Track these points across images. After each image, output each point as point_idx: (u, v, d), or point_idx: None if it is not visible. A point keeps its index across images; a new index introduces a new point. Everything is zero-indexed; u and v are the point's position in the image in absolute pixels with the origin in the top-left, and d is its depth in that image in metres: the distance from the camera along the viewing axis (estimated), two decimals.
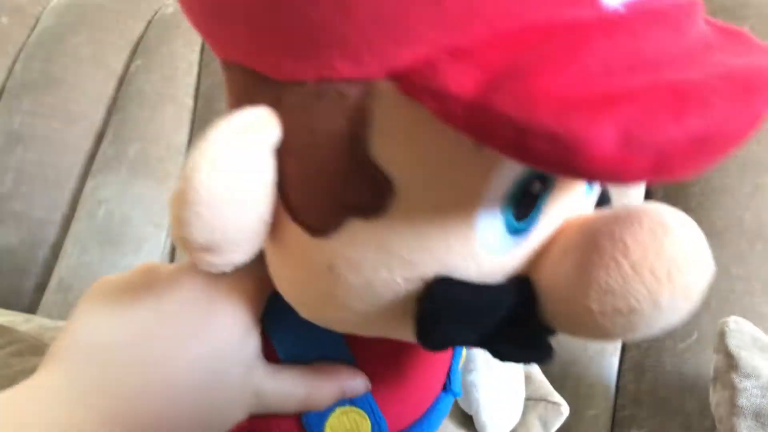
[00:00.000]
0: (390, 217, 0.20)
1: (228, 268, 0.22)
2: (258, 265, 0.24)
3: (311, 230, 0.21)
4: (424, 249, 0.20)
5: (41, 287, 0.83)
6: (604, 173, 0.15)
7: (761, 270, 0.59)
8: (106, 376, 0.22)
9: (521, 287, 0.21)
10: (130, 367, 0.22)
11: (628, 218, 0.19)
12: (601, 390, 0.63)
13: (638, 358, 0.63)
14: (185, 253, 0.21)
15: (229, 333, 0.24)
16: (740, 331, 0.47)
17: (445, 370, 0.32)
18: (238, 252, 0.21)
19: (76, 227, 0.83)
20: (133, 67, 0.92)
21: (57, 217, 0.86)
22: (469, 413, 0.49)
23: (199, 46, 0.93)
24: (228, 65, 0.22)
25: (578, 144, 0.15)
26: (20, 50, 0.95)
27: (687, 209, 0.63)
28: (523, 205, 0.20)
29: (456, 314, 0.21)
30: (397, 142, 0.19)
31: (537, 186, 0.20)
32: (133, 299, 0.24)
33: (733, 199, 0.62)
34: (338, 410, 0.28)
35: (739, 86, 0.16)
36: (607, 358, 0.64)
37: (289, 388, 0.26)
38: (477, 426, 0.49)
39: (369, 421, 0.28)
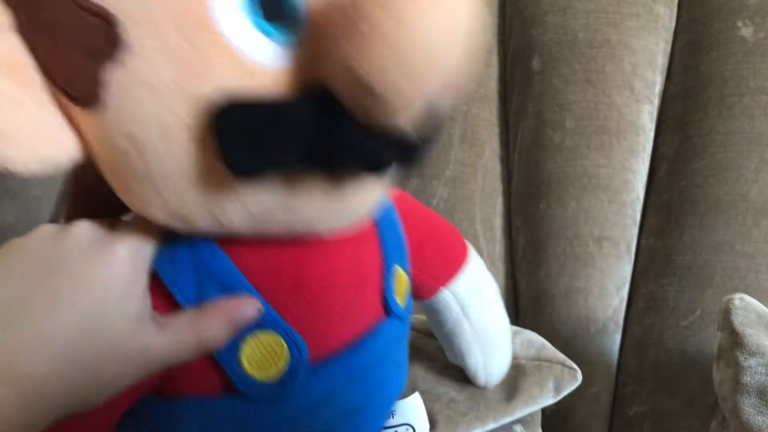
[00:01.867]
0: (134, 50, 0.21)
1: (36, 166, 0.23)
2: (140, 221, 0.26)
3: (88, 104, 0.22)
4: (184, 70, 0.21)
5: None
6: None
7: (767, 246, 0.59)
8: None
9: (315, 94, 0.21)
10: (10, 326, 0.23)
11: None
12: (603, 367, 0.63)
13: (640, 335, 0.62)
14: None
15: (107, 289, 0.24)
16: (745, 309, 0.46)
17: (375, 290, 0.32)
18: (32, 144, 0.22)
19: None
20: None
21: (53, 193, 0.85)
22: (458, 364, 0.48)
23: None
24: None
25: None
26: None
27: (692, 185, 0.62)
28: (268, 3, 0.21)
29: (249, 132, 0.21)
30: None
31: None
32: (20, 258, 0.25)
33: (739, 175, 0.61)
34: (249, 338, 0.27)
35: None
36: (610, 335, 0.64)
37: (177, 337, 0.26)
38: (470, 377, 0.48)
39: (283, 341, 0.28)
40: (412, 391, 0.45)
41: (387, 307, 0.32)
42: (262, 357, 0.28)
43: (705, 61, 0.64)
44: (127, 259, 0.25)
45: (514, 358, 0.51)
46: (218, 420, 0.28)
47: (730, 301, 0.47)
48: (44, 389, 0.23)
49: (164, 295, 0.27)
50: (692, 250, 0.61)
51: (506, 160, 0.70)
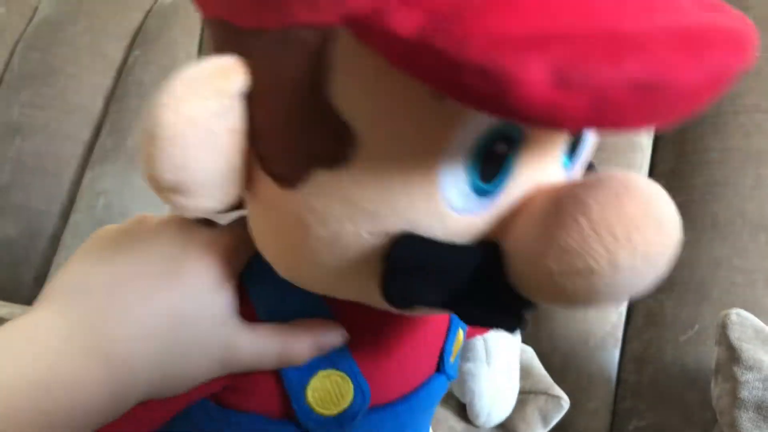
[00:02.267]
0: (353, 168, 0.20)
1: (201, 214, 0.23)
2: (240, 224, 0.27)
3: (280, 181, 0.22)
4: (387, 202, 0.21)
5: (40, 279, 0.83)
6: (539, 112, 0.16)
7: (763, 262, 0.59)
8: (89, 314, 0.24)
9: (487, 249, 0.21)
10: (107, 309, 0.24)
11: (594, 181, 0.19)
12: (602, 382, 0.63)
13: (639, 350, 0.63)
14: (156, 194, 0.22)
15: (198, 285, 0.25)
16: (742, 324, 0.47)
17: (437, 350, 0.33)
18: (208, 197, 0.22)
19: (75, 219, 0.83)
20: (131, 58, 0.92)
21: (56, 208, 0.85)
22: (464, 402, 0.49)
23: (198, 36, 0.92)
24: (207, 22, 0.23)
25: (508, 79, 0.15)
26: (18, 41, 0.94)
27: (689, 201, 0.63)
28: (489, 166, 0.21)
29: (419, 271, 0.21)
30: (357, 90, 0.20)
31: (501, 146, 0.21)
32: (117, 247, 0.26)
33: (736, 191, 0.61)
34: (320, 373, 0.28)
35: (688, 39, 0.16)
36: (608, 350, 0.64)
37: (263, 342, 0.26)
38: (470, 415, 0.49)
39: (351, 384, 0.28)
40: None
41: (440, 366, 0.33)
42: (327, 394, 0.28)
43: None
44: (222, 257, 0.26)
45: None
46: None
47: (727, 316, 0.48)
48: (133, 373, 0.23)
49: (246, 306, 0.27)
50: (690, 265, 0.61)
51: None
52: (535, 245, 0.20)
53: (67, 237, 0.82)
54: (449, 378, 0.34)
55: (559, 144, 0.23)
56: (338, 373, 0.28)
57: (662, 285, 0.67)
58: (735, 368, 0.44)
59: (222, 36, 0.22)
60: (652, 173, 0.67)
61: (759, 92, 0.62)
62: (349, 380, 0.28)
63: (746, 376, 0.43)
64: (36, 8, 0.97)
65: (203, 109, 0.20)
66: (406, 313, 0.24)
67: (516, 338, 0.48)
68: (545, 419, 0.51)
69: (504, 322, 0.23)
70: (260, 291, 0.28)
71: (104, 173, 0.84)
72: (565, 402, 0.51)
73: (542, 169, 0.22)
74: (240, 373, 0.27)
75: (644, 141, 0.67)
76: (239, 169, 0.23)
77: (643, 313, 0.64)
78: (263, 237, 0.25)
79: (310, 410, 0.28)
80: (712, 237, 0.61)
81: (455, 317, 0.34)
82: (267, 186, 0.23)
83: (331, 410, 0.28)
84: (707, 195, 0.62)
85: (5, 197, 0.85)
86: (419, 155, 0.20)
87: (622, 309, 0.65)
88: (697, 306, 0.60)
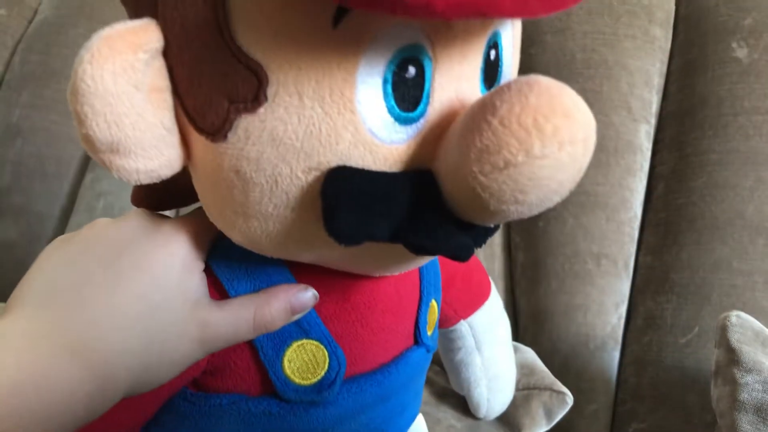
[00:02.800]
0: (274, 106, 0.21)
1: (144, 177, 0.24)
2: (200, 211, 0.27)
3: (211, 135, 0.23)
4: (313, 136, 0.21)
5: None
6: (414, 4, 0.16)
7: (763, 264, 0.59)
8: (61, 314, 0.24)
9: (419, 176, 0.22)
10: (77, 306, 0.24)
11: (499, 87, 0.20)
12: (602, 384, 0.63)
13: (639, 352, 0.63)
14: (93, 156, 0.23)
15: (167, 269, 0.26)
16: (742, 326, 0.47)
17: (411, 320, 0.33)
18: (146, 157, 0.23)
19: (75, 220, 0.83)
20: None
21: (56, 210, 0.85)
22: (462, 393, 0.49)
23: None
24: None
25: None
26: (18, 42, 0.94)
27: (689, 203, 0.63)
28: (406, 93, 0.22)
29: (355, 202, 0.22)
30: (258, 27, 0.20)
31: (411, 70, 0.21)
32: (78, 246, 0.26)
33: (735, 194, 0.61)
34: (294, 344, 0.29)
35: None
36: (608, 352, 0.64)
37: (237, 312, 0.27)
38: (471, 408, 0.49)
39: (326, 351, 0.29)
40: None
41: (417, 337, 0.34)
42: (304, 363, 0.29)
43: (701, 81, 0.65)
44: (186, 244, 0.27)
45: None
46: (251, 418, 0.29)
47: (726, 318, 0.48)
48: (112, 366, 0.23)
49: (217, 288, 0.28)
50: (690, 267, 0.61)
51: None
52: (457, 156, 0.20)
53: None
54: (428, 350, 0.35)
55: (473, 66, 0.23)
56: (312, 342, 0.29)
57: (662, 287, 0.67)
58: (735, 370, 0.44)
59: (133, 2, 0.24)
60: (652, 175, 0.67)
61: (759, 94, 0.62)
62: (324, 348, 0.29)
63: (746, 379, 0.43)
64: (36, 10, 0.97)
65: (124, 63, 0.21)
66: (353, 246, 0.24)
67: (505, 324, 0.48)
68: (549, 415, 0.51)
69: (450, 249, 0.23)
70: (228, 271, 0.28)
71: (104, 175, 0.84)
72: (569, 398, 0.51)
73: (460, 93, 0.23)
74: (217, 354, 0.28)
75: (644, 143, 0.67)
76: (172, 129, 0.24)
77: (643, 316, 0.64)
78: (212, 205, 0.26)
79: (288, 380, 0.29)
80: (712, 239, 0.61)
81: (425, 288, 0.35)
82: (202, 147, 0.23)
83: (309, 379, 0.29)
84: (707, 197, 0.62)
85: (6, 199, 0.85)
86: (332, 85, 0.21)
87: (622, 311, 0.65)
88: (697, 308, 0.60)
